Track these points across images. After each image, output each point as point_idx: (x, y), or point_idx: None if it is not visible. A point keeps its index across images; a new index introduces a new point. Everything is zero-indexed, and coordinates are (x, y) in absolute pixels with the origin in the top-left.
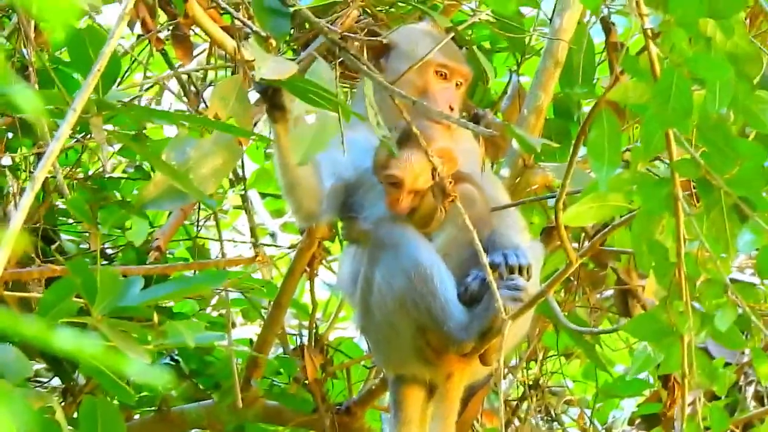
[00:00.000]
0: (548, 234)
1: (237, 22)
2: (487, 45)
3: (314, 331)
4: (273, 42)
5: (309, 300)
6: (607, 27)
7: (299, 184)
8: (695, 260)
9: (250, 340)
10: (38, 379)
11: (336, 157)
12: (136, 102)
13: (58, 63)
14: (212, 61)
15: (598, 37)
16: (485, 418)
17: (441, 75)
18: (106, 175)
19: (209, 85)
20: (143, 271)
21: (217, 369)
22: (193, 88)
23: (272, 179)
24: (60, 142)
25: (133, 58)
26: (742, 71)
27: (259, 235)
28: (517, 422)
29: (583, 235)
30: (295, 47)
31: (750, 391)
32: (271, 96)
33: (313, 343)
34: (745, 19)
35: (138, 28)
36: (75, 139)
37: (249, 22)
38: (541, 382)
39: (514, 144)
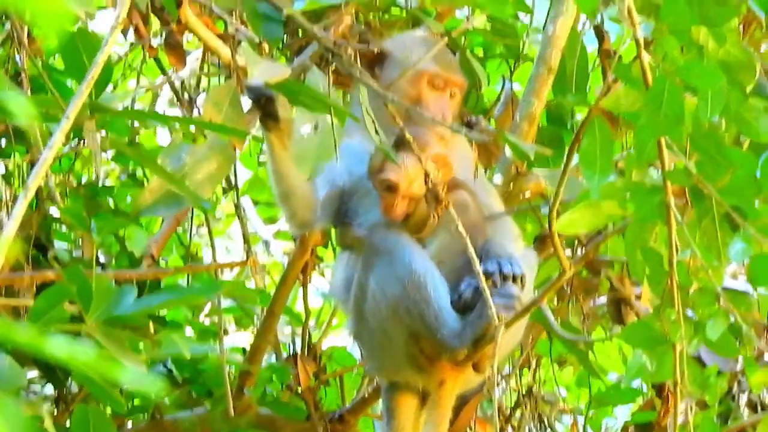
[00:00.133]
0: (542, 242)
1: (230, 27)
2: (480, 52)
3: (307, 338)
4: (266, 47)
5: (302, 308)
6: (600, 34)
7: (293, 193)
8: (687, 269)
9: (243, 349)
10: (31, 386)
11: (330, 164)
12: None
13: (51, 70)
14: (205, 67)
15: (591, 45)
16: (478, 426)
17: (435, 85)
18: (100, 183)
19: (202, 92)
20: (136, 276)
21: (210, 377)
22: (186, 95)
23: (265, 186)
24: (53, 150)
25: (126, 64)
26: (734, 79)
27: (252, 243)
28: (510, 430)
29: (576, 242)
30: (288, 54)
31: (743, 399)
32: (264, 105)
33: (306, 351)
34: (739, 25)
35: (131, 35)
36: (68, 147)
37: (242, 27)
38: (534, 389)
39: (507, 151)
